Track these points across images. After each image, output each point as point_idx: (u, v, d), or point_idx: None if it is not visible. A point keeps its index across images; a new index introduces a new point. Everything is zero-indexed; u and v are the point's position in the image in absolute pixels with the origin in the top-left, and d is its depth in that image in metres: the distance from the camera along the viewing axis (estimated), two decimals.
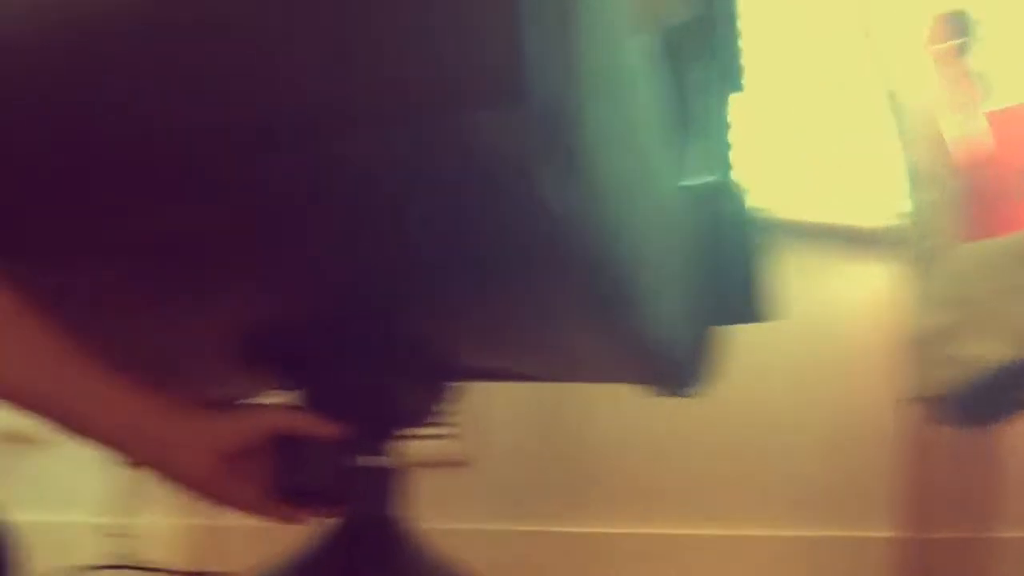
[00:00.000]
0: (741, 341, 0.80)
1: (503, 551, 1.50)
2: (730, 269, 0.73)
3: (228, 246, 0.50)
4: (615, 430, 1.55)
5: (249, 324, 0.61)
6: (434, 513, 1.59)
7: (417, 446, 1.64)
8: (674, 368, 0.59)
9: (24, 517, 1.46)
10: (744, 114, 0.84)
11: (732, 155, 0.81)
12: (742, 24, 0.83)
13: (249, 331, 0.62)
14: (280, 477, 0.56)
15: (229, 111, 0.42)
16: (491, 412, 1.60)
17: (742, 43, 0.83)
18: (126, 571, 1.22)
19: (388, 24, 0.38)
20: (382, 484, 0.72)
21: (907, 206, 1.24)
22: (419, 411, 0.72)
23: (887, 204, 1.46)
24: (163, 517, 1.59)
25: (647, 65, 0.59)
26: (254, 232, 0.48)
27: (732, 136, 0.83)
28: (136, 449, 0.55)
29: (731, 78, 0.80)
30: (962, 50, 1.26)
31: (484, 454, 1.58)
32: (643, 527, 1.51)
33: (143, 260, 0.53)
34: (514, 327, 0.60)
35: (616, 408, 1.56)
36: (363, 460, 0.72)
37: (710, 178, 0.78)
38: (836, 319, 1.69)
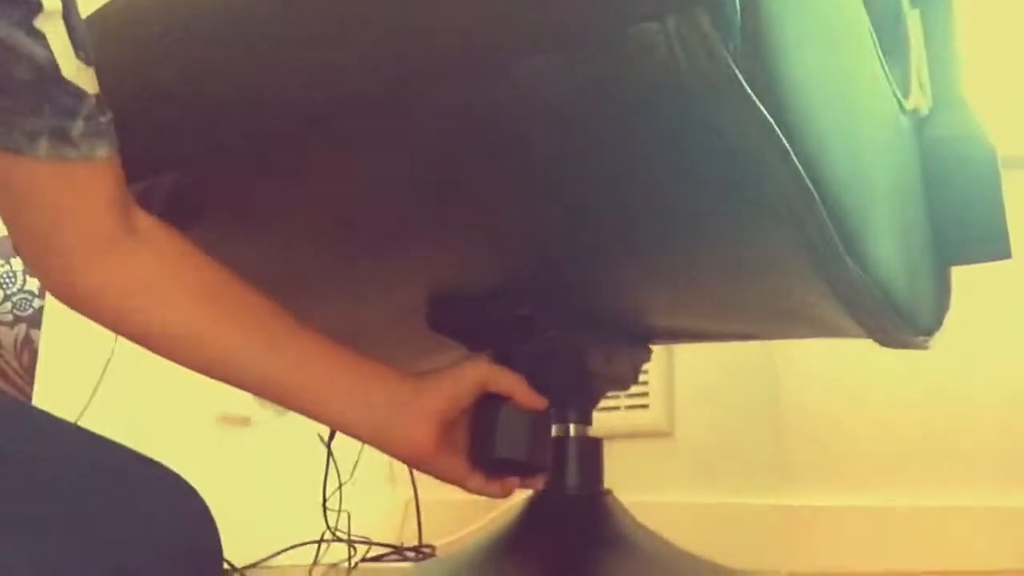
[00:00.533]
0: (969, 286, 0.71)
1: (704, 524, 1.44)
2: (963, 202, 0.63)
3: (412, 208, 0.48)
4: (820, 396, 1.44)
5: (437, 292, 0.58)
6: (635, 485, 1.56)
7: (617, 416, 1.61)
8: (897, 315, 0.50)
9: (241, 495, 1.55)
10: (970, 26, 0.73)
11: (958, 74, 0.71)
12: None
13: (437, 299, 0.59)
14: (483, 444, 0.53)
15: (394, 46, 0.39)
16: (691, 380, 1.54)
17: None
18: (341, 545, 1.26)
19: None
20: (585, 455, 0.68)
21: None
22: (621, 376, 0.67)
23: None
24: (377, 492, 1.65)
25: None
26: (436, 188, 0.45)
27: (957, 53, 0.72)
28: (360, 421, 0.53)
29: None
30: None
31: (684, 424, 1.52)
32: (849, 499, 1.40)
33: (330, 227, 0.51)
34: (714, 278, 0.54)
35: (821, 374, 1.45)
36: (565, 429, 0.68)
37: (929, 102, 0.69)
38: None
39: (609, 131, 0.38)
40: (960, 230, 0.63)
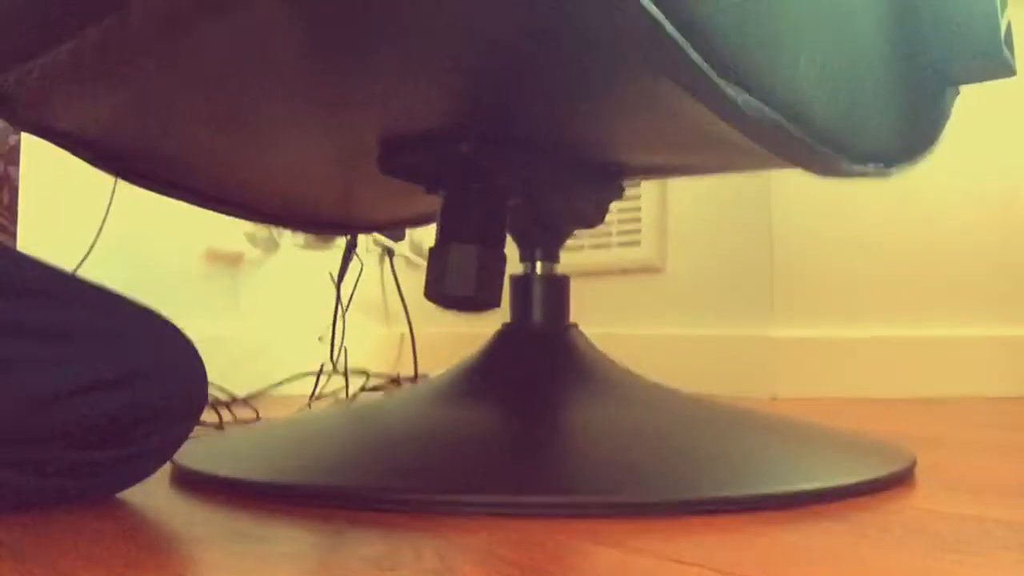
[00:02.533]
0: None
1: (693, 356, 1.48)
2: (958, 17, 0.60)
3: (360, 45, 0.46)
4: (813, 229, 1.44)
5: (386, 135, 0.57)
6: (626, 320, 1.59)
7: (608, 253, 1.63)
8: (820, 142, 0.48)
9: (235, 329, 1.59)
10: None
11: None
12: None
13: (387, 143, 0.58)
14: (434, 281, 0.54)
15: None
16: (683, 216, 1.54)
17: None
18: (335, 376, 1.31)
19: None
20: (550, 292, 0.69)
21: None
22: (584, 214, 0.67)
23: None
24: (372, 328, 1.69)
25: None
26: (365, 28, 0.43)
27: None
28: None
29: None
30: None
31: (675, 260, 1.54)
32: (837, 330, 1.43)
33: (271, 74, 0.50)
34: (629, 114, 0.52)
35: (815, 206, 1.44)
36: (531, 267, 0.69)
37: None
38: None
39: None
40: (953, 47, 0.60)
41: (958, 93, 0.66)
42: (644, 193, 1.56)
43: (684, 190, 1.54)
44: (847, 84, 0.50)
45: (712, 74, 0.37)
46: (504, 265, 0.57)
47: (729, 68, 0.39)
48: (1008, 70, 0.61)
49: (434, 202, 0.82)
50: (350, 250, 1.29)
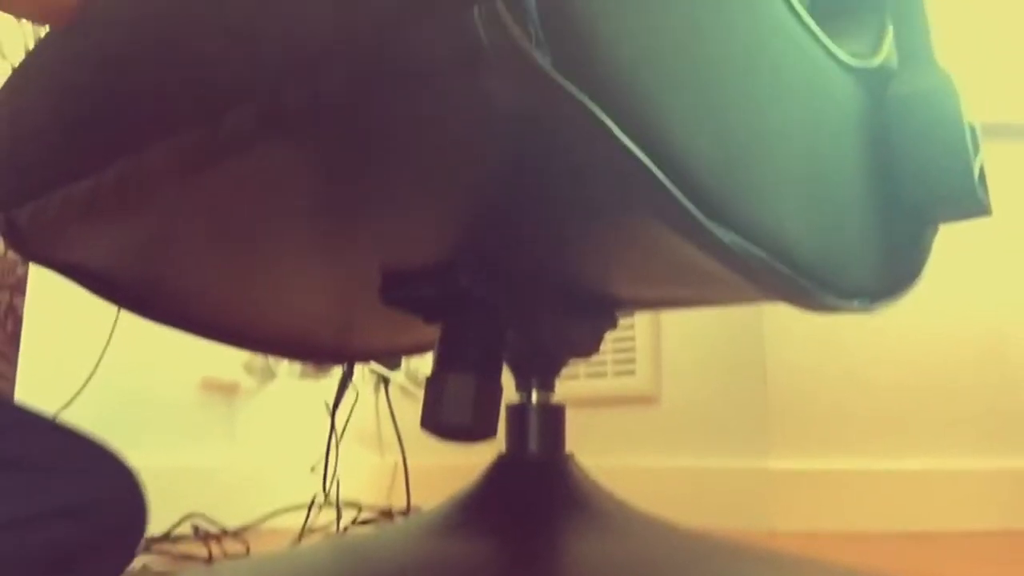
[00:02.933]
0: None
1: (689, 488, 1.46)
2: (933, 159, 0.62)
3: (355, 187, 0.49)
4: (805, 362, 1.46)
5: (388, 267, 0.59)
6: (621, 450, 1.58)
7: (604, 382, 1.63)
8: (805, 279, 0.50)
9: (228, 460, 1.57)
10: None
11: (925, 32, 0.70)
12: None
13: (389, 274, 0.60)
14: (431, 410, 0.55)
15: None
16: (677, 346, 1.55)
17: None
18: (327, 508, 1.29)
19: None
20: (546, 421, 0.69)
21: None
22: (580, 344, 0.68)
23: None
24: (365, 458, 1.67)
25: None
26: (374, 169, 0.46)
27: (924, 11, 0.71)
28: None
29: None
30: None
31: (670, 390, 1.54)
32: (832, 463, 1.42)
33: (278, 213, 0.52)
34: (618, 252, 0.54)
35: (808, 339, 1.46)
36: (527, 396, 0.70)
37: (890, 58, 0.68)
38: None
39: (461, 122, 0.39)
40: (929, 187, 0.62)
41: (937, 230, 0.68)
42: (638, 323, 1.58)
43: (678, 320, 1.56)
44: (830, 223, 0.52)
45: (699, 214, 0.39)
46: (501, 395, 0.57)
47: (716, 208, 0.41)
48: (982, 210, 0.64)
49: (430, 331, 0.84)
50: (346, 379, 1.30)
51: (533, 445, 0.69)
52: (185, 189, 0.53)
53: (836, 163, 0.55)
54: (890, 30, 0.70)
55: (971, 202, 0.63)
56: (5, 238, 0.63)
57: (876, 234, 0.59)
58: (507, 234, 0.52)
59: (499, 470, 0.69)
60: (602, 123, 0.35)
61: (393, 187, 0.46)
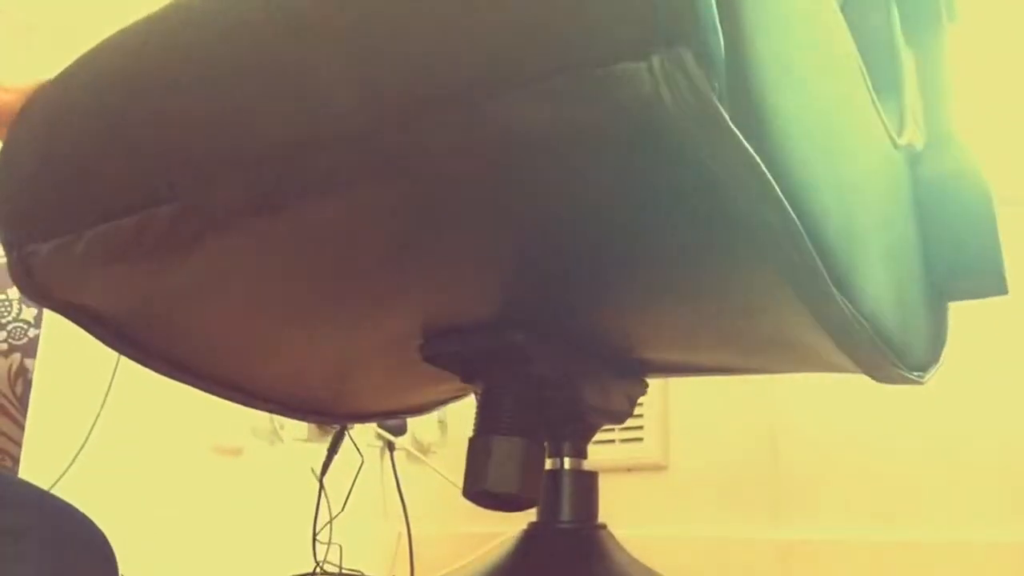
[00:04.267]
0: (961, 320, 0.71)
1: (699, 558, 1.43)
2: (957, 238, 0.64)
3: (400, 242, 0.48)
4: (815, 430, 1.44)
5: (430, 323, 0.58)
6: (630, 519, 1.55)
7: (612, 449, 1.61)
8: (889, 351, 0.51)
9: (233, 526, 1.54)
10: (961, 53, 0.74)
11: (950, 112, 0.72)
12: None
13: (431, 331, 0.59)
14: (474, 477, 0.53)
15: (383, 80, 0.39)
16: (686, 414, 1.54)
17: None
18: None
19: None
20: (579, 488, 0.68)
21: None
22: (616, 409, 0.67)
23: None
24: (369, 525, 1.63)
25: None
26: (424, 219, 0.45)
27: (950, 91, 0.73)
28: None
29: (939, 8, 0.71)
30: None
31: (679, 457, 1.52)
32: (843, 534, 1.39)
33: (322, 259, 0.52)
34: (705, 312, 0.54)
35: (817, 407, 1.45)
36: (560, 463, 0.68)
37: (922, 138, 0.70)
38: None
39: (594, 167, 0.38)
40: (954, 266, 0.64)
41: (948, 308, 0.70)
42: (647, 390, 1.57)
43: (686, 386, 1.55)
44: (905, 297, 0.53)
45: (829, 281, 0.39)
46: (544, 461, 0.56)
47: (836, 275, 0.40)
48: (1002, 289, 0.65)
49: (436, 392, 0.82)
50: (337, 442, 1.27)
51: (566, 514, 0.67)
52: (214, 242, 0.52)
53: (904, 240, 0.56)
54: (908, 113, 0.71)
55: (994, 281, 0.64)
56: (14, 276, 0.61)
57: (925, 309, 0.60)
58: (569, 295, 0.51)
59: (532, 539, 0.67)
60: (765, 179, 0.35)
61: (456, 247, 0.45)
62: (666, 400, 1.56)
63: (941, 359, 0.65)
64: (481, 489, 0.53)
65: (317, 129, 0.42)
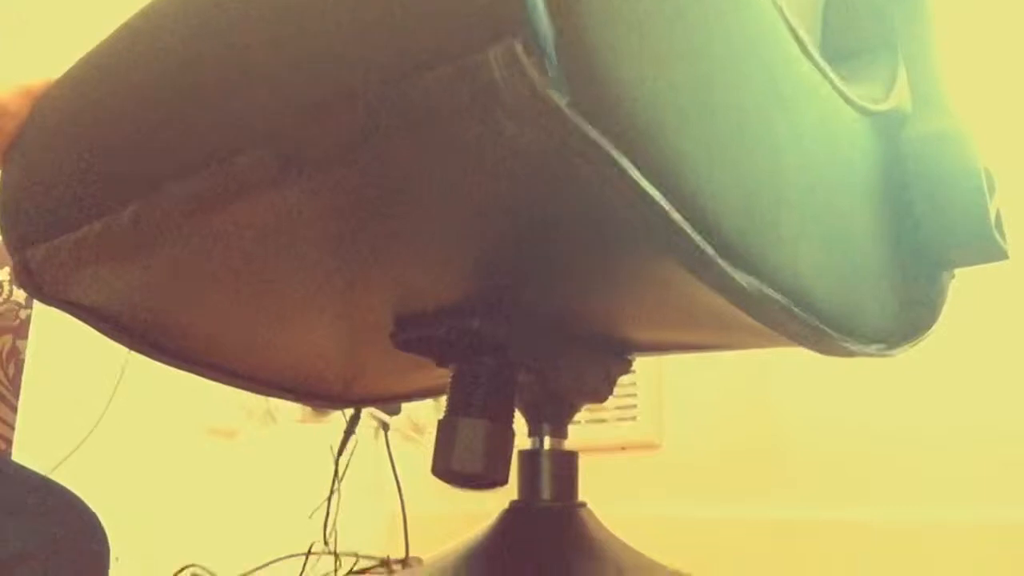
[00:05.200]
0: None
1: (692, 537, 1.44)
2: (950, 203, 0.62)
3: (372, 227, 0.48)
4: (810, 409, 1.45)
5: (401, 311, 0.59)
6: (623, 498, 1.56)
7: (605, 429, 1.62)
8: (823, 323, 0.50)
9: (226, 506, 1.55)
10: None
11: (938, 74, 0.70)
12: None
13: (401, 318, 0.60)
14: (441, 457, 0.54)
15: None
16: (680, 393, 1.54)
17: None
18: (325, 557, 1.26)
19: None
20: (559, 467, 0.68)
21: None
22: (594, 389, 0.68)
23: None
24: (363, 505, 1.65)
25: None
26: (377, 205, 0.45)
27: (936, 52, 0.72)
28: None
29: None
30: None
31: (672, 437, 1.53)
32: (837, 513, 1.40)
33: (289, 253, 0.52)
34: (630, 295, 0.54)
35: (811, 386, 1.46)
36: (539, 442, 0.69)
37: (903, 101, 0.68)
38: None
39: (478, 161, 0.39)
40: (949, 232, 0.62)
41: (953, 276, 0.68)
42: (640, 368, 1.58)
43: (681, 365, 1.56)
44: (848, 267, 0.52)
45: (715, 256, 0.39)
46: (513, 441, 0.57)
47: (734, 252, 0.41)
48: (1000, 253, 0.64)
49: (435, 376, 0.83)
50: (353, 424, 1.28)
51: (546, 492, 0.68)
52: (198, 230, 0.53)
53: (853, 207, 0.56)
54: (902, 73, 0.70)
55: (988, 246, 0.63)
56: (18, 279, 0.63)
57: (894, 279, 0.59)
58: (521, 277, 0.51)
59: (511, 518, 0.68)
60: (617, 163, 0.35)
61: (408, 231, 0.46)
62: (660, 379, 1.57)
63: (927, 329, 0.64)
64: (446, 468, 0.54)
65: (277, 114, 0.43)
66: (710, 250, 0.40)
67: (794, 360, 1.45)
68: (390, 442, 1.50)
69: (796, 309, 0.46)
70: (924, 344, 0.65)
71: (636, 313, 0.58)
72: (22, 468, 0.53)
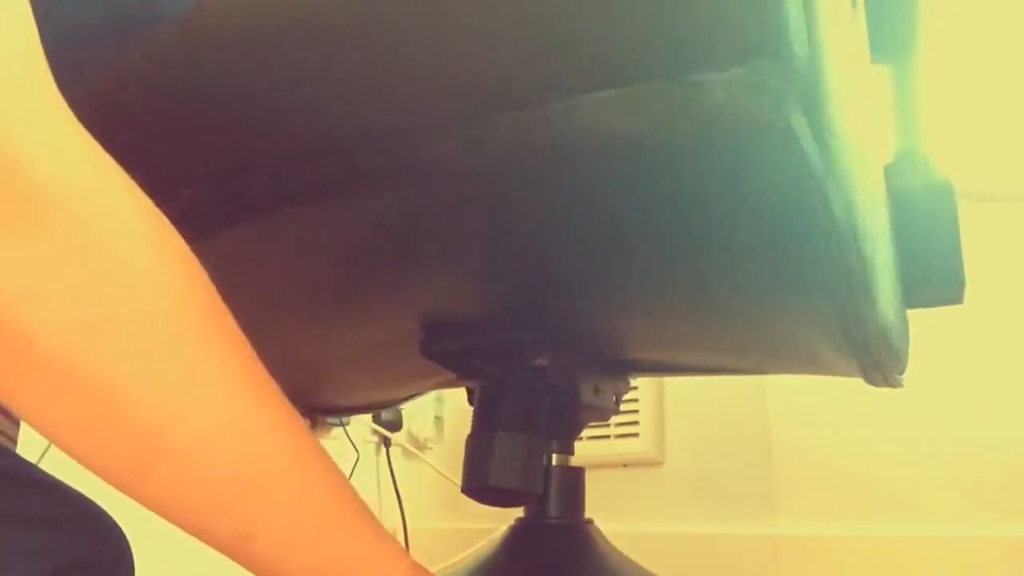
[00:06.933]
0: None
1: (694, 554, 1.43)
2: (922, 250, 0.65)
3: (404, 241, 0.48)
4: (809, 426, 1.45)
5: (431, 320, 0.59)
6: (625, 514, 1.56)
7: (607, 445, 1.62)
8: (894, 355, 0.52)
9: None
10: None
11: (917, 128, 0.73)
12: None
13: (431, 327, 0.60)
14: (476, 472, 0.53)
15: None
16: (681, 410, 1.54)
17: None
18: None
19: None
20: (566, 484, 0.68)
21: None
22: (606, 406, 0.68)
23: None
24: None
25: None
26: (427, 223, 0.45)
27: (917, 107, 0.74)
28: None
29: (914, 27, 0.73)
30: None
31: (674, 453, 1.52)
32: (838, 529, 1.40)
33: (331, 254, 0.52)
34: (717, 317, 0.54)
35: (811, 404, 1.45)
36: (548, 458, 0.69)
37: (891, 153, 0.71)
38: None
39: (655, 171, 0.38)
40: (916, 276, 0.65)
41: None
42: (642, 386, 1.58)
43: (682, 383, 1.56)
44: (901, 304, 0.53)
45: (871, 298, 0.40)
46: (543, 456, 0.56)
47: (867, 288, 0.41)
48: (957, 299, 0.67)
49: (415, 386, 0.82)
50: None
51: (553, 509, 0.68)
52: (227, 236, 0.52)
53: (894, 248, 0.57)
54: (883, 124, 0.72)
55: (954, 292, 0.66)
56: None
57: (904, 315, 0.61)
58: (576, 301, 0.51)
59: (519, 534, 0.67)
60: (827, 199, 0.36)
61: (469, 248, 0.45)
62: (661, 396, 1.57)
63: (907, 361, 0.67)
64: (483, 485, 0.53)
65: (362, 127, 0.42)
66: (862, 284, 0.40)
67: (795, 377, 1.45)
68: (391, 457, 1.50)
69: (887, 342, 0.47)
70: (925, 361, 0.66)
71: (669, 336, 0.58)
72: (52, 478, 0.50)
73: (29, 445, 0.47)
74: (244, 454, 0.33)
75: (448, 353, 0.58)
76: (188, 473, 0.32)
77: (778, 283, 0.45)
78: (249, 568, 0.37)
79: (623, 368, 0.68)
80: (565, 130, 0.36)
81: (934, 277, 0.65)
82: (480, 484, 0.52)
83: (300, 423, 0.37)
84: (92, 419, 0.30)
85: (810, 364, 0.61)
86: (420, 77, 0.39)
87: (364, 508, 0.40)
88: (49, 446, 0.35)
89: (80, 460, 0.33)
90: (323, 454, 0.38)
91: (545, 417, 0.56)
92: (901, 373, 0.57)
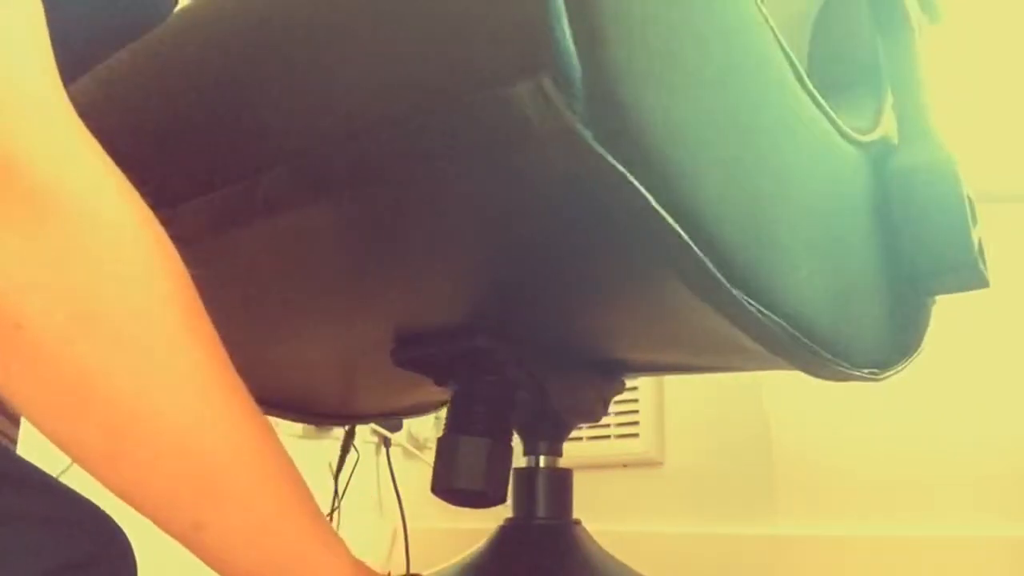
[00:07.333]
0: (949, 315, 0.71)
1: (693, 554, 1.44)
2: (933, 232, 0.63)
3: (376, 245, 0.49)
4: (808, 426, 1.45)
5: (401, 329, 0.60)
6: (625, 514, 1.56)
7: (607, 445, 1.62)
8: (821, 348, 0.51)
9: None
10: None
11: (923, 104, 0.71)
12: None
13: (402, 336, 0.60)
14: (443, 474, 0.54)
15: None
16: (681, 410, 1.54)
17: None
18: None
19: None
20: (553, 486, 0.69)
21: None
22: (587, 409, 0.68)
23: None
24: (365, 521, 1.65)
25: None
26: (389, 227, 0.46)
27: (922, 83, 0.73)
28: None
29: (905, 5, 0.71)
30: None
31: (674, 454, 1.53)
32: (837, 529, 1.40)
33: (302, 266, 0.53)
34: (635, 317, 0.55)
35: (810, 404, 1.45)
36: (535, 460, 0.69)
37: (889, 132, 0.69)
38: None
39: (497, 187, 0.40)
40: (933, 260, 0.63)
41: (935, 302, 0.69)
42: (642, 387, 1.58)
43: (682, 384, 1.56)
44: (843, 295, 0.53)
45: (724, 280, 0.40)
46: (511, 460, 0.57)
47: (741, 277, 0.41)
48: (982, 282, 0.65)
49: (432, 393, 0.83)
50: (348, 441, 1.29)
51: (541, 510, 0.68)
52: (213, 247, 0.53)
53: (848, 237, 0.56)
54: (888, 105, 0.71)
55: (971, 275, 0.64)
56: None
57: (885, 304, 0.60)
58: (527, 299, 0.52)
59: (506, 535, 0.68)
60: (637, 191, 0.36)
61: (421, 254, 0.46)
62: (661, 396, 1.57)
63: (914, 354, 0.65)
64: (448, 486, 0.54)
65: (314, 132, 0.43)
66: (719, 274, 0.41)
67: (795, 378, 1.45)
68: (391, 458, 1.50)
69: (797, 334, 0.47)
70: (923, 360, 0.66)
71: (635, 336, 0.59)
72: (51, 478, 0.51)
73: (51, 460, 0.48)
74: (207, 449, 0.35)
75: (419, 361, 0.59)
76: (153, 461, 0.34)
77: (657, 284, 0.46)
78: (200, 558, 0.39)
79: (608, 369, 0.68)
80: (446, 134, 0.38)
81: (945, 260, 0.63)
82: (447, 486, 0.54)
83: (263, 423, 0.39)
84: (70, 404, 0.32)
85: (755, 358, 0.61)
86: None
87: (316, 511, 0.42)
88: (71, 464, 0.37)
89: (56, 442, 0.34)
90: (281, 456, 0.40)
91: (513, 422, 0.57)
92: (865, 367, 0.56)
